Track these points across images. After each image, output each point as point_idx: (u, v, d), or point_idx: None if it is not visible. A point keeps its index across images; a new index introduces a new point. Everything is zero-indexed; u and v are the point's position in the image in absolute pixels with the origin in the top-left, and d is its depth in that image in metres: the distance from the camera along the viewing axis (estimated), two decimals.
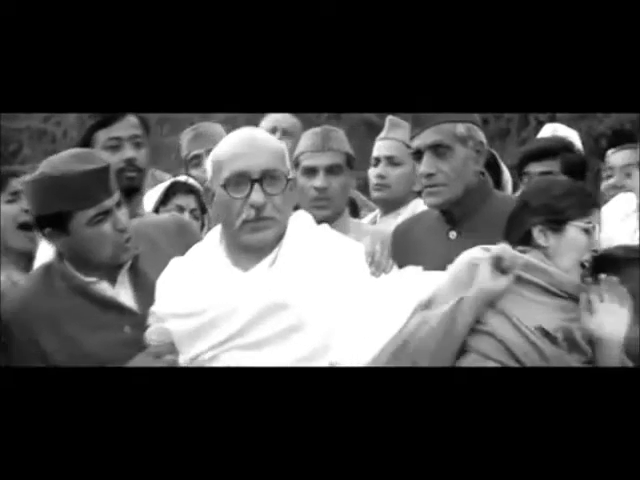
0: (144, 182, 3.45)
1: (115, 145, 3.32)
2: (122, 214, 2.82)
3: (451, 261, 2.79)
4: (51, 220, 2.79)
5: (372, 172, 4.12)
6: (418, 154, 3.06)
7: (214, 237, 2.81)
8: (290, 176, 2.73)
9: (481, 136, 3.09)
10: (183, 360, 2.71)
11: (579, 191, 2.80)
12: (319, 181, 3.38)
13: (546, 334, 2.62)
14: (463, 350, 2.68)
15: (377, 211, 4.22)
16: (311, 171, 3.42)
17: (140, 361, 2.72)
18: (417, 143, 3.06)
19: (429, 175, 3.03)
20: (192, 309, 2.70)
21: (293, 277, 2.66)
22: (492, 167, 4.21)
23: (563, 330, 2.64)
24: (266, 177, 2.67)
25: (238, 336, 2.64)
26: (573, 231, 2.74)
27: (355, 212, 4.38)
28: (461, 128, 3.03)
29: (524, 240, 2.76)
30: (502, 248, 2.71)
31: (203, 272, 2.73)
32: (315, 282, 2.66)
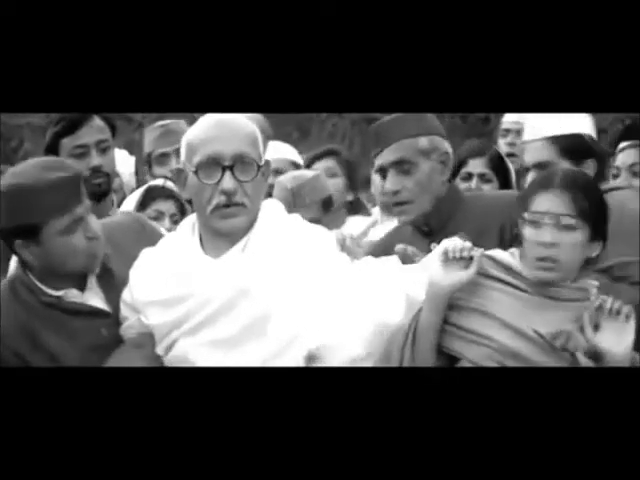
0: (112, 185, 3.43)
1: (82, 152, 3.30)
2: (92, 220, 2.77)
3: None
4: (21, 231, 2.73)
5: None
6: (382, 171, 3.07)
7: (187, 226, 2.83)
8: (262, 163, 2.73)
9: (446, 146, 3.09)
10: (160, 349, 2.73)
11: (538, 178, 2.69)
12: None
13: (541, 336, 2.60)
14: (455, 359, 2.66)
15: (377, 217, 4.20)
16: None
17: (120, 354, 2.73)
18: (380, 161, 3.07)
19: (395, 192, 3.05)
20: (165, 297, 2.72)
21: (263, 263, 2.68)
22: (498, 168, 4.18)
23: (561, 336, 2.60)
24: (237, 163, 2.68)
25: (210, 323, 2.66)
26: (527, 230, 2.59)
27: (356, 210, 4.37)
28: (424, 142, 3.04)
29: (518, 242, 2.67)
30: (449, 240, 2.67)
31: (176, 260, 2.75)
32: (285, 268, 2.68)
